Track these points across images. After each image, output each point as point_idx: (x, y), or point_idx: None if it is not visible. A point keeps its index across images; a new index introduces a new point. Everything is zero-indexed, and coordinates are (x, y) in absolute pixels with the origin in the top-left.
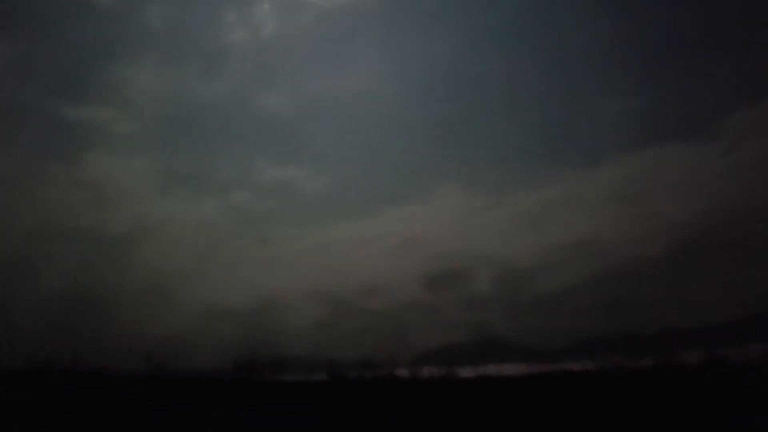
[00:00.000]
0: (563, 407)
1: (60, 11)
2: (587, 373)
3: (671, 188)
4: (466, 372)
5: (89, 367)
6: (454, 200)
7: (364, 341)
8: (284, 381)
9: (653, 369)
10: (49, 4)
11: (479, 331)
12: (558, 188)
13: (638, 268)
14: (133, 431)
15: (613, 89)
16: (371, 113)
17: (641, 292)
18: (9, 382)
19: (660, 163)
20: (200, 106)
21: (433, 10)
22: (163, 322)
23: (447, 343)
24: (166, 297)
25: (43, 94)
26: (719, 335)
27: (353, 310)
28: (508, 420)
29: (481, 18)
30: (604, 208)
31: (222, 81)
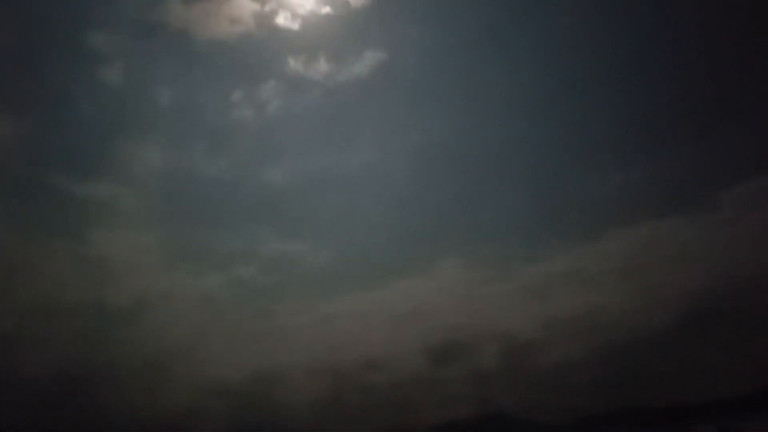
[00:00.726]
0: None
1: (72, 90)
2: None
3: (674, 260)
4: None
5: None
6: (456, 273)
7: (368, 417)
8: None
9: None
10: (62, 82)
11: (485, 405)
12: (560, 261)
13: (645, 341)
14: None
15: (612, 163)
16: (373, 187)
17: (649, 365)
18: None
19: (661, 235)
20: (205, 181)
21: (435, 88)
22: (162, 397)
23: (452, 418)
24: (166, 372)
25: (52, 169)
26: (731, 408)
27: (356, 385)
28: None
29: (481, 95)
30: (607, 281)
31: (227, 157)
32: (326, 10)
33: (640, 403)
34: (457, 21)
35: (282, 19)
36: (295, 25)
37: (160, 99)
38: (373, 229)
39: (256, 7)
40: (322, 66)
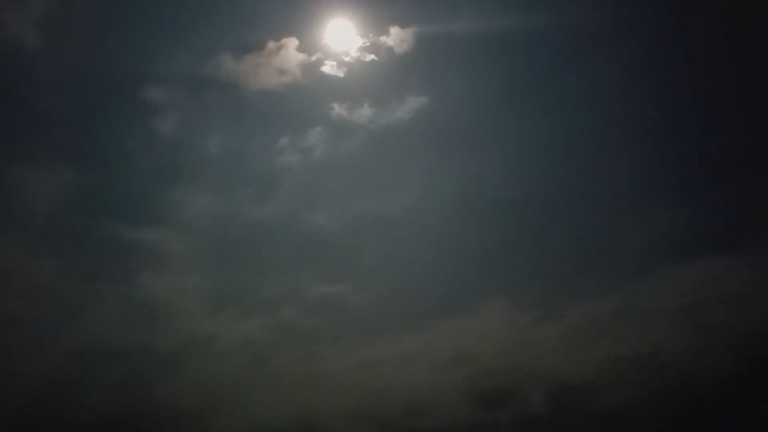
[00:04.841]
0: None
1: (127, 141)
2: None
3: (731, 299)
4: None
5: None
6: (501, 314)
7: None
8: None
9: None
10: (118, 134)
11: None
12: (609, 301)
13: (703, 384)
14: None
15: (661, 200)
16: (415, 230)
17: (708, 410)
18: None
19: (716, 273)
20: (251, 226)
21: (476, 132)
22: None
23: None
24: (210, 416)
25: (104, 217)
26: None
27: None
28: None
29: (523, 138)
30: (658, 321)
31: (273, 202)
32: (370, 57)
33: None
34: (499, 66)
35: (327, 68)
36: (340, 73)
37: (210, 147)
38: (415, 271)
39: (303, 57)
40: (366, 111)
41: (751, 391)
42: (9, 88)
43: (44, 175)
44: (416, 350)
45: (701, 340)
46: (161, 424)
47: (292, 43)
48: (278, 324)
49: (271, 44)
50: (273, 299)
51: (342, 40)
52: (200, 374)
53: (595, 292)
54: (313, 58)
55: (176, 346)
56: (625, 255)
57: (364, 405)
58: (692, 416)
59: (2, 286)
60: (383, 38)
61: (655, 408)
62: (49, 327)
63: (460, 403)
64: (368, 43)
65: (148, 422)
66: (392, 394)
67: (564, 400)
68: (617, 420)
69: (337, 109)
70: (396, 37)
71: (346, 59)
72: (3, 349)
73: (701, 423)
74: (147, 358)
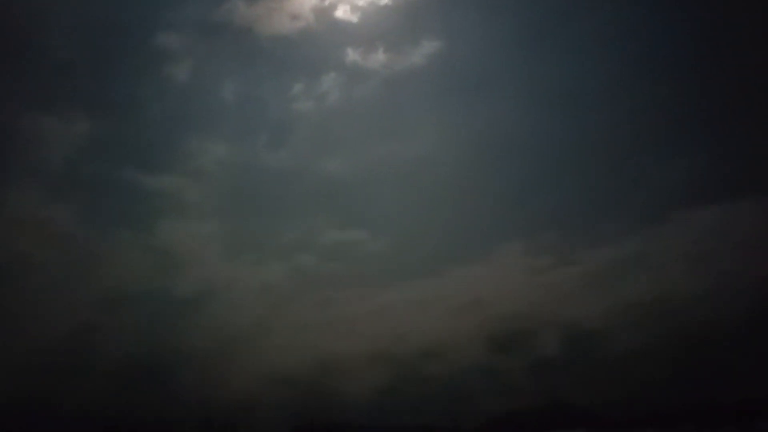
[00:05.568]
0: None
1: (141, 89)
2: None
3: (747, 245)
4: None
5: (153, 429)
6: (516, 259)
7: (427, 407)
8: None
9: None
10: (132, 82)
11: (545, 395)
12: (624, 246)
13: (716, 330)
14: None
15: (682, 143)
16: (431, 175)
17: (720, 356)
18: None
19: (733, 218)
20: (267, 173)
21: (492, 76)
22: (224, 384)
23: (513, 409)
24: (228, 360)
25: (120, 165)
26: None
27: (415, 374)
28: None
29: (540, 81)
30: (674, 267)
31: (288, 149)
32: (384, 1)
33: (711, 397)
34: (513, 10)
35: (341, 12)
36: (354, 18)
37: (225, 94)
38: (431, 216)
39: (315, 2)
40: (380, 56)
41: (763, 335)
42: (24, 38)
43: (61, 124)
44: (432, 295)
45: (715, 285)
46: (182, 367)
47: None
48: (295, 270)
49: None
50: (289, 245)
51: None
52: (219, 319)
53: (611, 238)
54: (326, 2)
55: (195, 292)
56: (642, 200)
57: (380, 348)
58: (704, 360)
59: (25, 235)
60: None
61: (667, 352)
62: (71, 274)
63: (474, 347)
64: None
65: (168, 365)
66: (408, 338)
67: (577, 345)
68: (629, 364)
69: (351, 55)
70: None
71: (360, 3)
72: (28, 296)
73: (712, 367)
74: (167, 304)
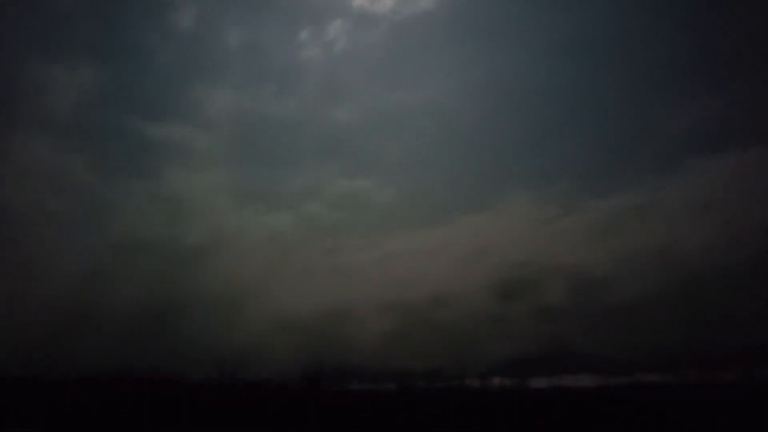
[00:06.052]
0: (638, 420)
1: (147, 37)
2: (664, 385)
3: (757, 194)
4: (538, 383)
5: (165, 373)
6: (523, 209)
7: (434, 352)
8: (353, 390)
9: (736, 384)
10: (137, 30)
11: (551, 342)
12: (632, 195)
13: (720, 278)
14: None
15: (692, 91)
16: (439, 124)
17: (723, 304)
18: (92, 386)
19: (744, 167)
20: (273, 121)
21: (502, 23)
22: (234, 331)
23: (518, 354)
24: (238, 306)
25: (127, 114)
26: None
27: (422, 321)
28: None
29: (551, 29)
30: (681, 216)
31: (295, 97)
32: None
33: (714, 343)
34: None
35: None
36: None
37: (230, 42)
38: (438, 166)
39: None
40: (388, 1)
41: (765, 287)
42: None
43: (66, 73)
44: (439, 244)
45: (723, 233)
46: (194, 313)
47: None
48: (303, 218)
49: None
50: (297, 194)
51: None
52: (229, 266)
53: (620, 187)
54: None
55: (204, 240)
56: (652, 149)
57: (388, 295)
58: (708, 308)
59: (35, 183)
60: None
61: (672, 300)
62: (81, 222)
63: (481, 294)
64: None
65: (181, 311)
66: (416, 286)
67: (582, 292)
68: (634, 311)
69: (358, 0)
70: None
71: None
72: (40, 244)
73: (717, 314)
74: (176, 251)
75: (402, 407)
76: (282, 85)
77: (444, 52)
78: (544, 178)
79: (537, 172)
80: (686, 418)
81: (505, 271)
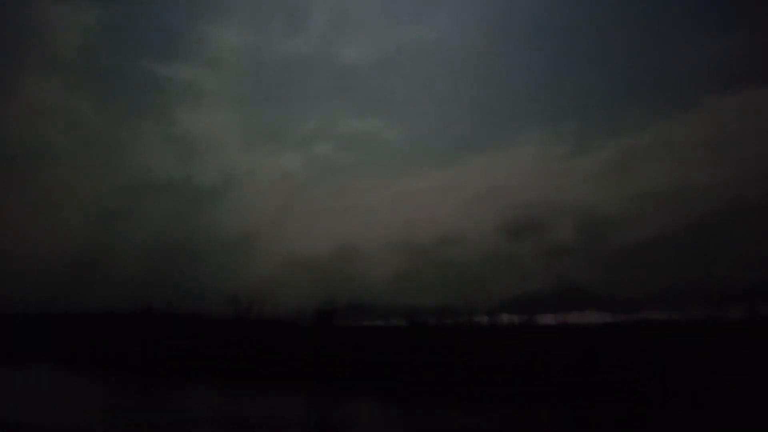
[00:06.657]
0: (645, 357)
1: None
2: (671, 323)
3: None
4: (545, 320)
5: (181, 310)
6: (534, 148)
7: (443, 290)
8: (364, 326)
9: (743, 321)
10: None
11: (559, 280)
12: (647, 133)
13: (732, 217)
14: (220, 368)
15: (709, 28)
16: (451, 62)
17: (734, 242)
18: (111, 322)
19: (757, 105)
20: (283, 60)
21: None
22: (248, 269)
23: (526, 292)
24: (251, 245)
25: (135, 53)
26: None
27: (432, 259)
28: (586, 368)
29: None
30: (696, 154)
31: (304, 35)
32: None
33: (723, 281)
34: None
35: None
36: None
37: None
38: (449, 104)
39: None
40: None
41: None
42: None
43: (74, 13)
44: (449, 183)
45: (737, 172)
46: (206, 253)
47: None
48: (313, 159)
49: None
50: (307, 134)
51: None
52: (240, 206)
53: (635, 125)
54: None
55: (216, 180)
56: (670, 85)
57: (397, 235)
58: (718, 246)
59: (45, 124)
60: None
61: (682, 239)
62: (93, 163)
63: (490, 234)
64: None
65: (194, 250)
66: (425, 225)
67: (591, 232)
68: (642, 251)
69: None
70: None
71: None
72: (52, 185)
73: (727, 253)
74: (188, 192)
75: (411, 343)
76: (290, 22)
77: None
78: (556, 116)
79: (549, 110)
80: (692, 355)
81: (515, 211)
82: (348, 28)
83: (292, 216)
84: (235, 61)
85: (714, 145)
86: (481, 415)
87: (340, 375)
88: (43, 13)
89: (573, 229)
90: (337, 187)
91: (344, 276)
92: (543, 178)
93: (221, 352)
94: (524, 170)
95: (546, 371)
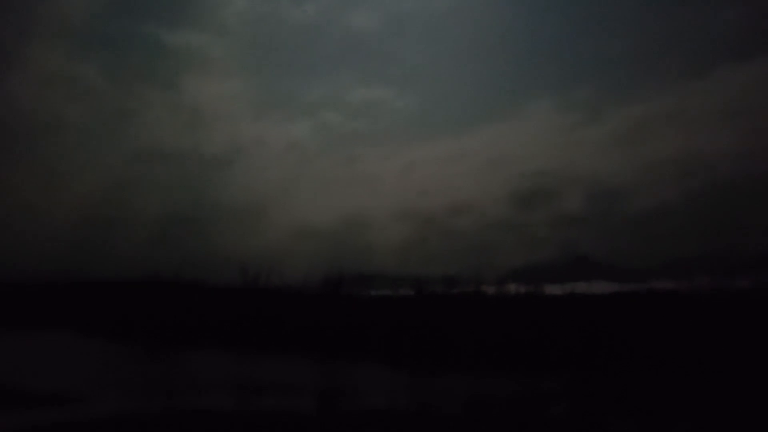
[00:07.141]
0: (653, 327)
1: None
2: (680, 292)
3: None
4: (553, 289)
5: (190, 279)
6: (544, 116)
7: (451, 259)
8: (372, 296)
9: (751, 290)
10: None
11: (568, 249)
12: (659, 102)
13: (742, 186)
14: (228, 335)
15: None
16: (460, 30)
17: (744, 212)
18: (121, 290)
19: None
20: (291, 28)
21: None
22: (256, 238)
23: (534, 262)
24: (259, 214)
25: (142, 20)
26: None
27: (440, 229)
28: (594, 337)
29: None
30: (709, 123)
31: (312, 2)
32: None
33: (733, 249)
34: None
35: None
36: None
37: None
38: (459, 73)
39: None
40: None
41: None
42: None
43: None
44: (458, 152)
45: (748, 142)
46: (214, 222)
47: None
48: (322, 127)
49: None
50: (316, 103)
51: None
52: (249, 175)
53: (646, 94)
54: None
55: (224, 149)
56: (681, 55)
57: (407, 204)
58: (727, 216)
59: (56, 91)
60: None
61: (692, 210)
62: (100, 131)
63: (499, 203)
64: None
65: (201, 220)
66: (434, 194)
67: (601, 201)
68: (652, 221)
69: None
70: None
71: None
72: (60, 154)
73: (735, 223)
74: (197, 161)
75: (419, 312)
76: None
77: None
78: (567, 85)
79: (561, 77)
80: (698, 324)
81: (524, 180)
82: None
83: (301, 185)
84: (243, 27)
85: (725, 114)
86: (493, 381)
87: (348, 343)
88: None
89: (582, 198)
90: (346, 156)
91: (353, 245)
92: (553, 147)
93: (230, 320)
94: (534, 139)
95: (553, 340)
